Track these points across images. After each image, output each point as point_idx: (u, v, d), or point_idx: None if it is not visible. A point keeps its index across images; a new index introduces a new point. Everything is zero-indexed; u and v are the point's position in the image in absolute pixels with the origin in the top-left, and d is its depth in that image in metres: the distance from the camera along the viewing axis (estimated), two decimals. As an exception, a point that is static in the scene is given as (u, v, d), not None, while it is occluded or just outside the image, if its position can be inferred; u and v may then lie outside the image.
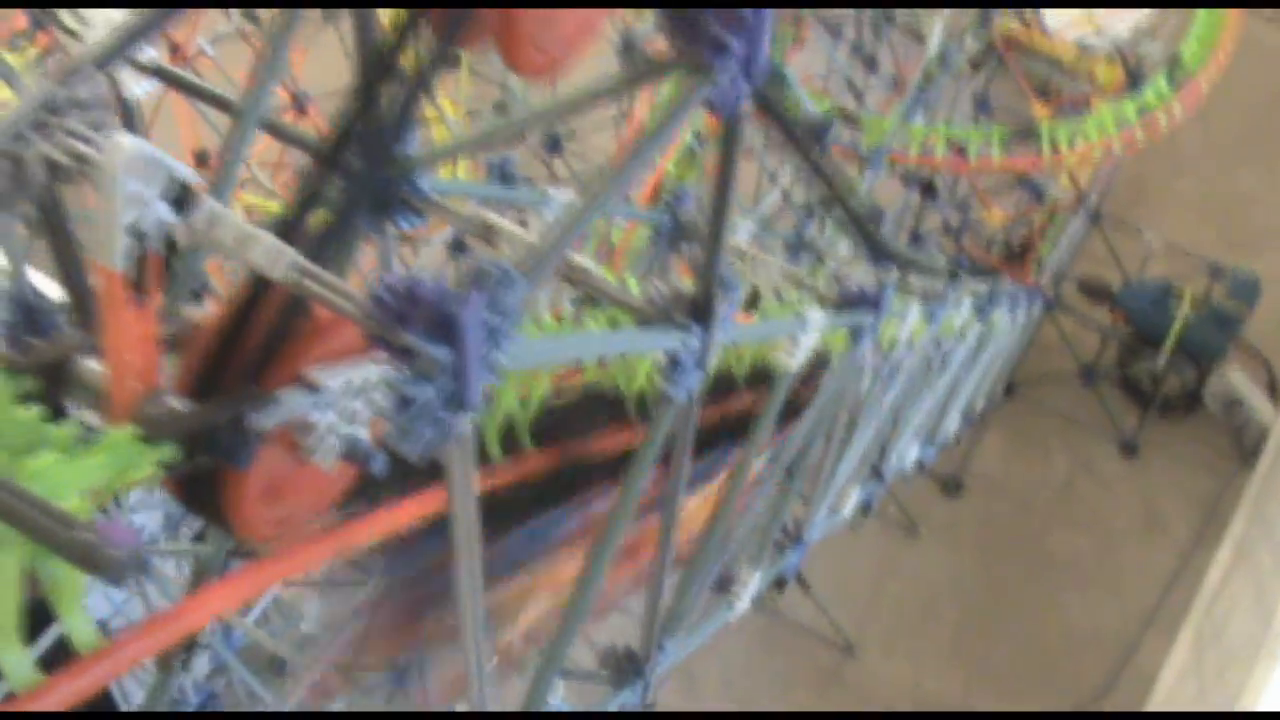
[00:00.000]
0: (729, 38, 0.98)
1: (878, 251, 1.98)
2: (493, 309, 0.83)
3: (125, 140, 0.81)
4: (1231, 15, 2.82)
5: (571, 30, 0.99)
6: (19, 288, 1.04)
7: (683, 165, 2.48)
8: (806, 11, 2.90)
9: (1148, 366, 3.72)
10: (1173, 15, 3.02)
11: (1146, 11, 3.19)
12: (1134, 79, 2.82)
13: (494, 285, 0.84)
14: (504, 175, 2.16)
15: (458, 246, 3.25)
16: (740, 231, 2.42)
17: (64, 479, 0.90)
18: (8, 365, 0.98)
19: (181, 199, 0.84)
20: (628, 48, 2.57)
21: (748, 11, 0.98)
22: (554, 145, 3.74)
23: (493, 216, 1.17)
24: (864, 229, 1.90)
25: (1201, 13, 2.88)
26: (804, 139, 1.54)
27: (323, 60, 3.02)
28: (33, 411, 0.94)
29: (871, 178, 2.59)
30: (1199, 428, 3.99)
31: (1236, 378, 3.93)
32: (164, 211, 0.84)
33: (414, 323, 0.84)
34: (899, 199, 3.05)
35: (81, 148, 0.84)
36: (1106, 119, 2.67)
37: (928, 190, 3.06)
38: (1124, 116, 2.69)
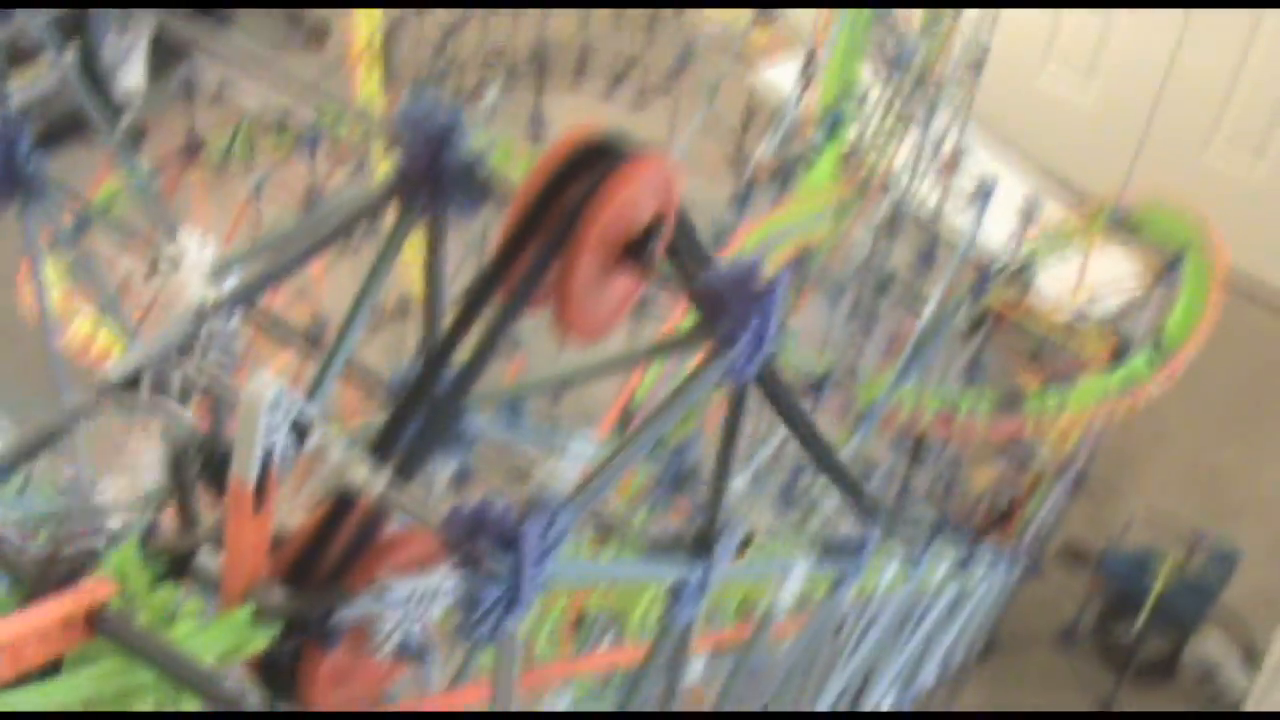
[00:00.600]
0: (750, 315, 1.10)
1: (864, 509, 2.06)
2: (544, 531, 0.97)
3: (268, 380, 0.96)
4: (1215, 294, 2.95)
5: (619, 296, 1.11)
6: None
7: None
8: (811, 275, 3.03)
9: (1126, 631, 3.77)
10: (1159, 292, 3.15)
11: (1137, 287, 3.33)
12: (1120, 352, 2.94)
13: (547, 511, 0.97)
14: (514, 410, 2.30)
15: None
16: (736, 480, 2.51)
17: (198, 645, 1.04)
18: (148, 551, 1.12)
19: (303, 429, 0.95)
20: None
21: (765, 290, 1.09)
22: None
23: (529, 459, 1.31)
24: (851, 489, 1.98)
25: (1187, 291, 3.01)
26: (797, 409, 1.63)
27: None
28: (170, 589, 1.09)
29: (863, 435, 2.69)
30: (1176, 694, 4.02)
31: (1214, 645, 3.99)
32: (289, 441, 0.97)
33: (483, 536, 0.98)
34: (889, 455, 3.14)
35: (224, 380, 0.97)
36: (1091, 391, 2.78)
37: (917, 450, 3.16)
38: (1108, 389, 2.80)
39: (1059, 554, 3.41)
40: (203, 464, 1.16)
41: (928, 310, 2.79)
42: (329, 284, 3.27)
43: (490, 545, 0.98)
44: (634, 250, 1.09)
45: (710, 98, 2.97)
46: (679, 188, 1.11)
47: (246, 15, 5.18)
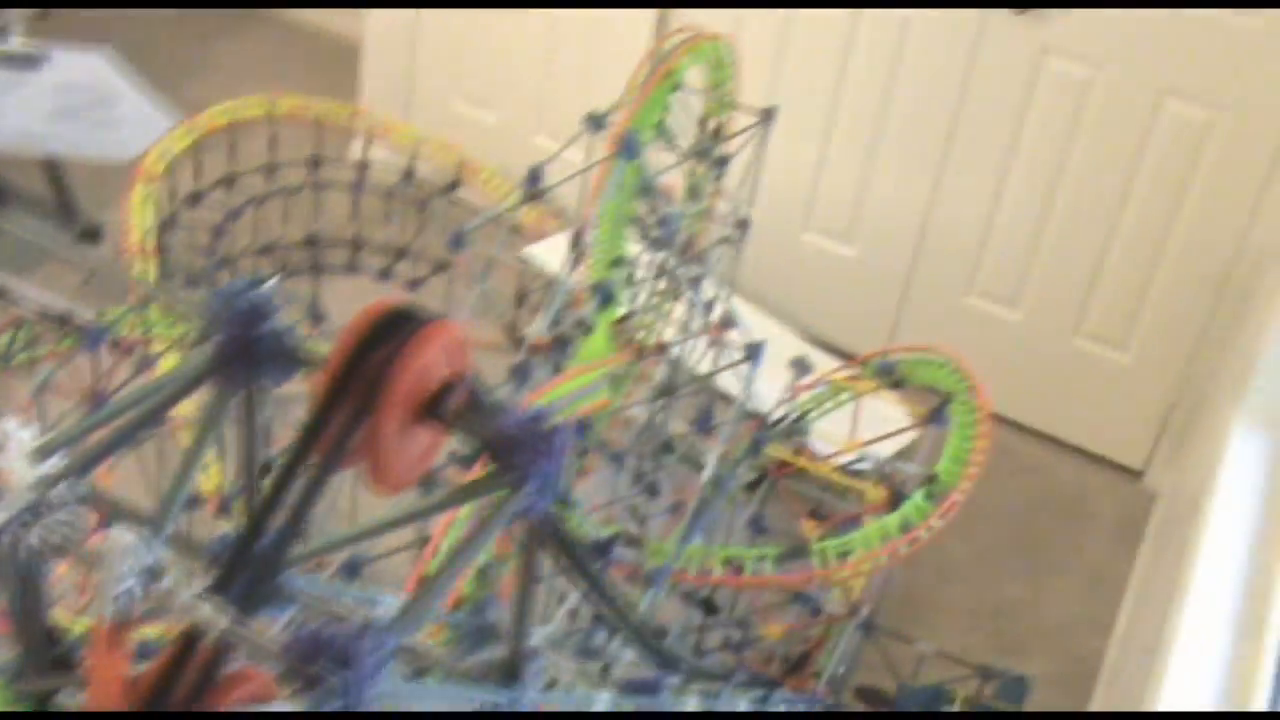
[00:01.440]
0: (540, 453, 1.18)
1: (663, 659, 2.11)
2: (374, 650, 1.04)
3: (123, 534, 1.03)
4: (982, 436, 3.09)
5: (423, 449, 1.19)
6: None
7: (477, 584, 2.60)
8: (592, 444, 3.10)
9: (930, 769, 3.86)
10: (929, 437, 3.29)
11: (907, 435, 3.46)
12: (897, 498, 3.05)
13: (376, 632, 1.04)
14: (351, 569, 2.39)
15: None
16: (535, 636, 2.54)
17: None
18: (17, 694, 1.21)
19: (155, 574, 1.03)
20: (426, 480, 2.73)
21: (553, 436, 1.18)
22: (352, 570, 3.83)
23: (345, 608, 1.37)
24: (645, 642, 2.04)
25: (955, 435, 3.15)
26: (587, 561, 1.69)
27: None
28: None
29: (653, 596, 2.74)
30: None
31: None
32: (140, 585, 1.05)
33: (320, 657, 1.03)
34: (682, 615, 3.20)
35: (76, 537, 1.07)
36: (872, 535, 2.87)
37: (709, 608, 3.23)
38: (888, 532, 2.90)
39: (855, 696, 3.49)
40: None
41: (706, 471, 2.87)
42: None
43: (328, 665, 1.03)
44: (432, 407, 1.16)
45: (481, 278, 3.05)
46: (469, 349, 1.19)
47: (15, 215, 5.16)
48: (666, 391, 3.36)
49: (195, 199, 4.48)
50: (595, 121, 3.14)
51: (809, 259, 4.86)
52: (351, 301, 4.14)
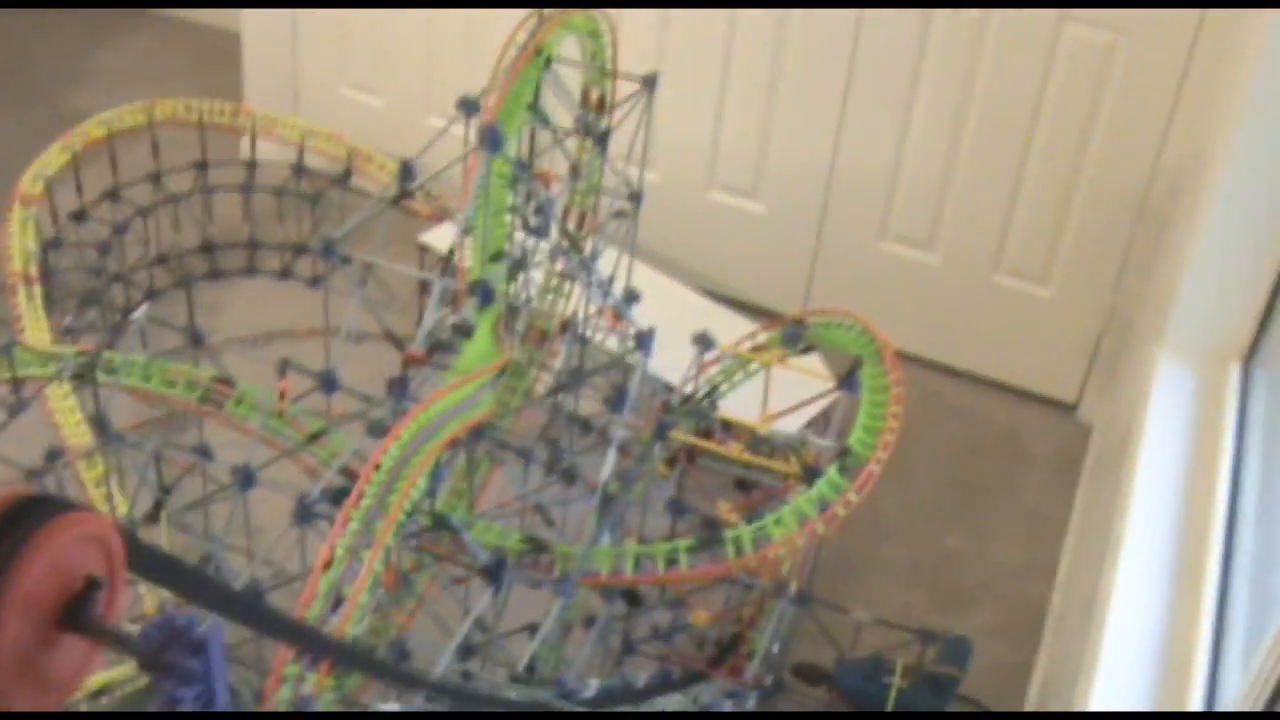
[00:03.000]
0: (196, 664, 1.09)
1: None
2: None
3: None
4: (894, 402, 2.98)
5: (73, 662, 1.06)
6: None
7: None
8: (493, 443, 2.98)
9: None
10: (840, 408, 3.18)
11: (815, 408, 3.35)
12: (810, 473, 2.94)
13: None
14: None
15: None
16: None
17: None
18: None
19: None
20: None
21: (197, 639, 1.10)
22: None
23: None
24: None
25: (865, 401, 3.04)
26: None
27: None
28: None
29: (565, 604, 2.63)
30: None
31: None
32: None
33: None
34: (605, 607, 3.09)
35: None
36: (787, 517, 2.76)
37: (632, 598, 3.12)
38: (804, 512, 2.80)
39: (793, 674, 3.39)
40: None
41: (605, 468, 2.75)
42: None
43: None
44: (74, 613, 1.01)
45: (363, 279, 2.92)
46: (115, 540, 1.05)
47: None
48: (572, 375, 3.25)
49: (79, 216, 4.33)
50: (469, 105, 3.01)
51: (717, 218, 4.74)
52: (253, 305, 3.98)
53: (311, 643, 1.88)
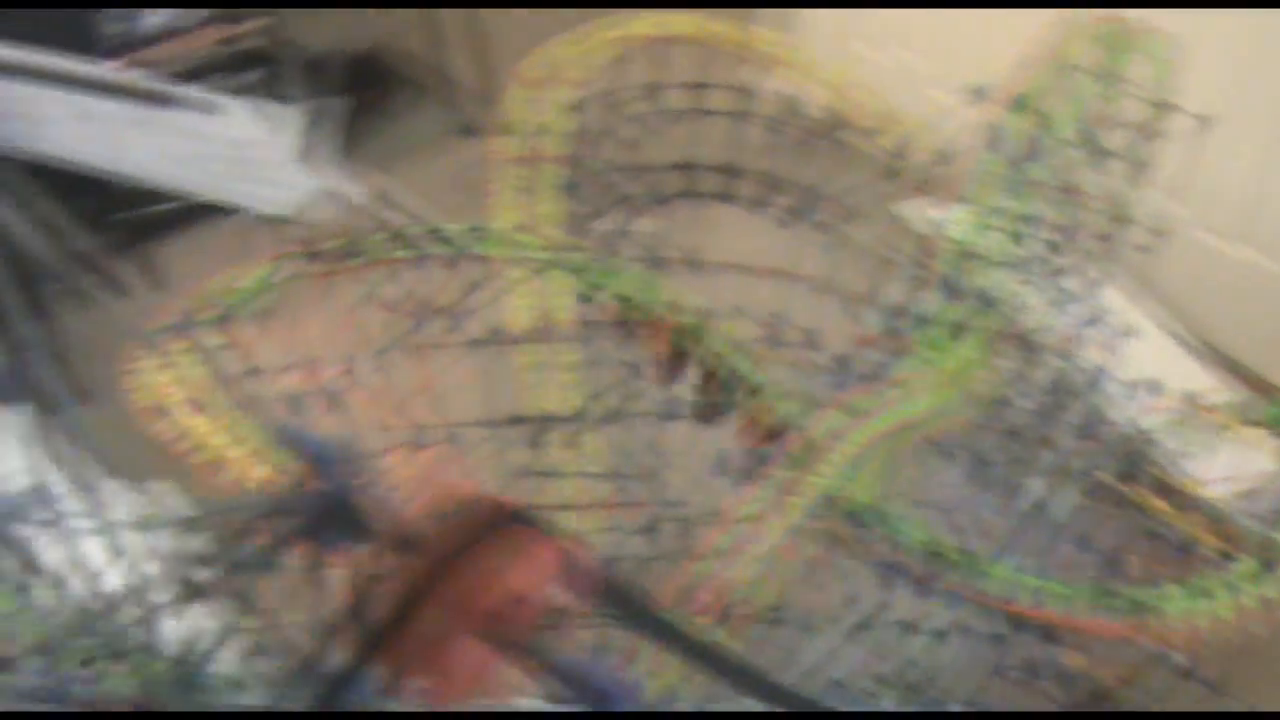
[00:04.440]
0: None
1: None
2: None
3: None
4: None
5: (480, 666, 1.07)
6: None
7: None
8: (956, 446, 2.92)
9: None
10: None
11: (1256, 483, 3.18)
12: (1269, 561, 2.72)
13: None
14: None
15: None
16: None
17: None
18: None
19: None
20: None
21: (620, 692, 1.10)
22: None
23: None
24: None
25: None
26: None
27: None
28: None
29: (949, 614, 2.59)
30: None
31: None
32: None
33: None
34: (983, 623, 3.01)
35: None
36: (1221, 602, 2.56)
37: (1017, 624, 3.04)
38: (1242, 603, 2.59)
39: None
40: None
41: (1035, 484, 2.68)
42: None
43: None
44: (511, 630, 1.03)
45: (830, 244, 2.91)
46: (589, 581, 1.05)
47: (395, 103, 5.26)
48: (1051, 394, 3.16)
49: (575, 109, 4.45)
50: (978, 92, 2.97)
51: (1234, 271, 4.51)
52: (719, 231, 4.01)
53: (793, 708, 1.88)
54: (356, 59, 5.20)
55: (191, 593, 1.09)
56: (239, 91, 4.61)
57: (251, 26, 4.57)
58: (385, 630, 0.96)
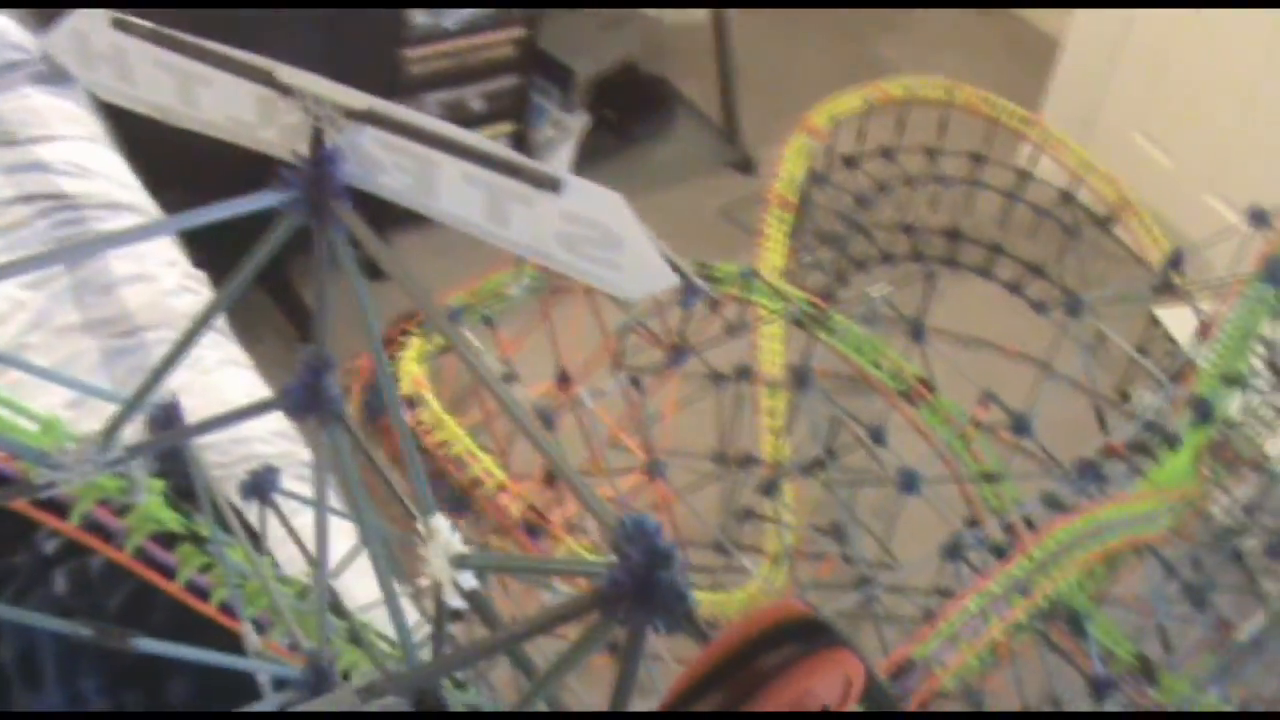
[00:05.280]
0: None
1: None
2: None
3: None
4: None
5: None
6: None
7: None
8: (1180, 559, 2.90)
9: None
10: None
11: None
12: None
13: None
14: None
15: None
16: None
17: None
18: None
19: None
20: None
21: None
22: None
23: None
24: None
25: None
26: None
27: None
28: None
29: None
30: None
31: None
32: None
33: None
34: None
35: None
36: None
37: (1215, 751, 3.02)
38: None
39: None
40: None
41: (1254, 619, 2.67)
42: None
43: None
44: None
45: (1091, 348, 2.92)
46: (859, 688, 1.07)
47: (681, 128, 5.35)
48: (1251, 510, 3.15)
49: (850, 162, 4.51)
50: (1259, 218, 2.96)
51: None
52: (973, 306, 4.03)
53: None
54: (614, 76, 5.30)
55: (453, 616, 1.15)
56: (491, 98, 4.78)
57: (509, 35, 4.72)
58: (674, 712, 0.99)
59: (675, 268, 0.95)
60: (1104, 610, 2.85)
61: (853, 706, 1.03)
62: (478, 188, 0.94)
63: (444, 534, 1.01)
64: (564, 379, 3.02)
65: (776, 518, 3.19)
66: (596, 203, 0.93)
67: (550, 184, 0.93)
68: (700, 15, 5.51)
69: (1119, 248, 4.30)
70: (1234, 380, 2.80)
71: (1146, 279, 4.24)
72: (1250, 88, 4.77)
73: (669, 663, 2.08)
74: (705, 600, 2.99)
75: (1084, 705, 2.39)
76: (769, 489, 3.14)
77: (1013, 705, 2.66)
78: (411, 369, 2.79)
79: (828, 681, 1.03)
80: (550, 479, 2.77)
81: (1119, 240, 4.54)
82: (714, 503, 3.46)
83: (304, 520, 1.42)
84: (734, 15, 5.42)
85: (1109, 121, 5.23)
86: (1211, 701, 2.63)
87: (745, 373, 3.40)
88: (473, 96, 4.75)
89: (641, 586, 0.87)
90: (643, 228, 0.89)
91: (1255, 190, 3.06)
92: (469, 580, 1.02)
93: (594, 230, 0.94)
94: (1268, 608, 2.77)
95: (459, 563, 1.00)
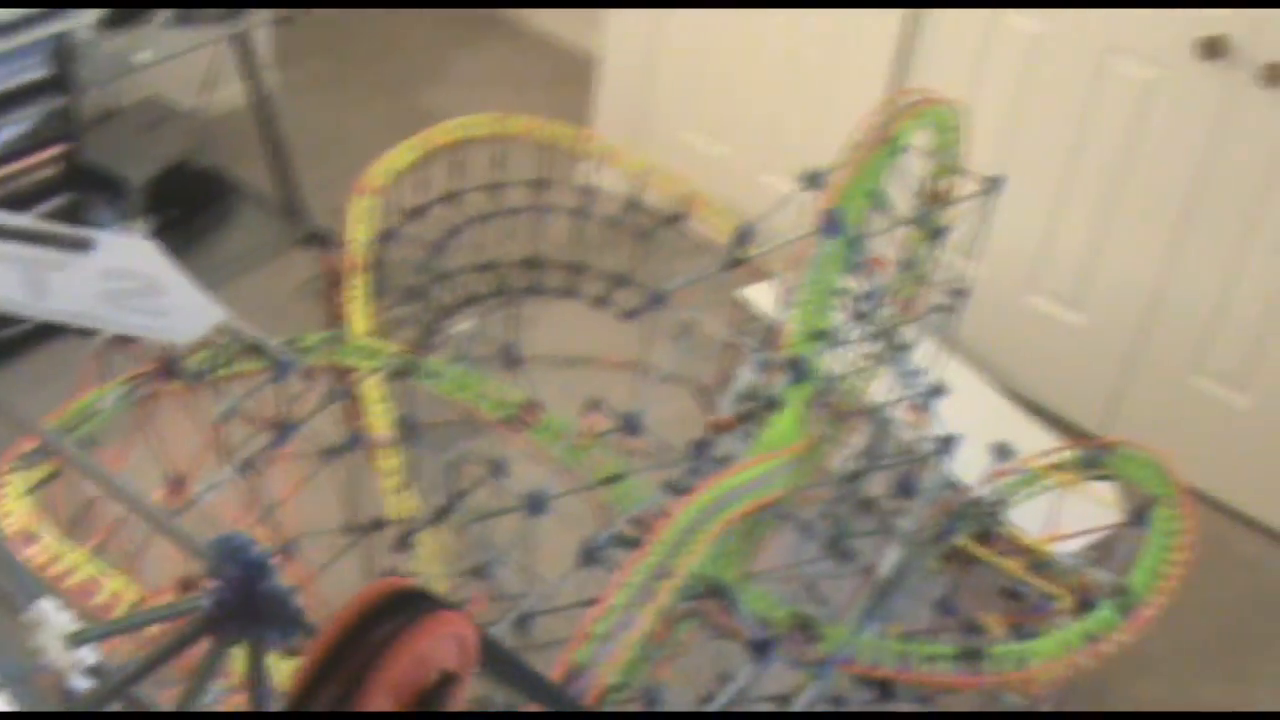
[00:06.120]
0: None
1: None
2: None
3: None
4: (1182, 548, 2.93)
5: None
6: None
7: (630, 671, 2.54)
8: (780, 512, 3.02)
9: None
10: (1123, 541, 3.14)
11: (1098, 536, 3.31)
12: (1086, 602, 2.92)
13: None
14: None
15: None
16: None
17: None
18: None
19: None
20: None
21: None
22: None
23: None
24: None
25: (1153, 543, 2.99)
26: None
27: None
28: None
29: (821, 685, 2.66)
30: None
31: None
32: None
33: None
34: (852, 691, 3.10)
35: None
36: (1052, 645, 2.75)
37: (885, 690, 3.13)
38: (1070, 643, 2.77)
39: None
40: None
41: (889, 556, 2.78)
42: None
43: None
44: (428, 702, 1.08)
45: (680, 333, 3.01)
46: (473, 646, 1.10)
47: (244, 215, 5.27)
48: (869, 459, 3.27)
49: (416, 213, 4.51)
50: (812, 179, 3.08)
51: (1033, 323, 4.72)
52: (565, 327, 4.10)
53: None
54: (166, 177, 5.20)
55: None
56: (50, 218, 4.61)
57: (53, 153, 4.58)
58: (295, 706, 1.00)
59: (259, 346, 0.94)
60: (757, 584, 2.93)
61: (472, 664, 1.06)
62: (10, 265, 0.90)
63: (51, 616, 0.97)
64: (176, 483, 2.91)
65: (416, 572, 3.16)
66: (130, 252, 0.91)
67: (81, 244, 0.90)
68: (241, 100, 5.43)
69: (696, 241, 4.41)
70: (821, 335, 2.91)
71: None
72: (779, 69, 5.00)
73: None
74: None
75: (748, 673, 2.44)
76: (402, 546, 3.11)
77: (689, 693, 2.70)
78: (18, 505, 2.66)
79: (440, 644, 1.05)
80: (189, 584, 2.68)
81: (694, 235, 4.67)
82: (356, 573, 3.40)
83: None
84: (274, 92, 5.36)
85: (659, 124, 5.38)
86: (869, 641, 2.72)
87: (355, 440, 3.36)
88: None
89: (245, 600, 0.85)
90: (179, 271, 0.87)
91: (805, 160, 3.19)
92: (90, 656, 0.98)
93: (135, 281, 0.92)
94: (901, 542, 2.88)
95: (75, 640, 0.96)
